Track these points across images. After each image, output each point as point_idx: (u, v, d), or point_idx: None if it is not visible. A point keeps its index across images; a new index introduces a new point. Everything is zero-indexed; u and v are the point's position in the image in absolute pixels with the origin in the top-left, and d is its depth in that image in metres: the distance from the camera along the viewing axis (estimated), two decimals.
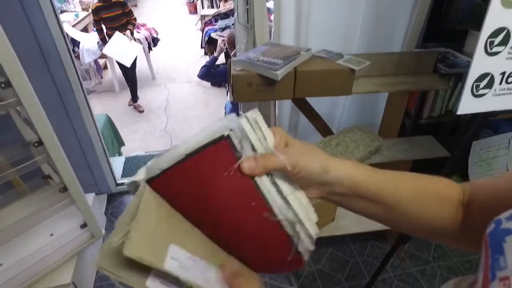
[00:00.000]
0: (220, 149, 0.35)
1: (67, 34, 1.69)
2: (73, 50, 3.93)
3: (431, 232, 0.44)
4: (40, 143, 1.18)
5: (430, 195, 0.42)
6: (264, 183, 0.35)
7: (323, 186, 0.39)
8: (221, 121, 0.35)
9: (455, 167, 1.93)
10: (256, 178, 0.35)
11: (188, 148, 0.34)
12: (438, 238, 0.45)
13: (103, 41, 3.57)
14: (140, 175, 0.36)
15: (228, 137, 0.35)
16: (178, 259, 0.32)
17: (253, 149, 0.35)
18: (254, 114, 0.36)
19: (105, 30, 3.54)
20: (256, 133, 0.35)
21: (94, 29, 3.81)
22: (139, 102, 4.01)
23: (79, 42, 3.91)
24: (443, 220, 0.42)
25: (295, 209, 0.36)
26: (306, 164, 0.36)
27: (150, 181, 0.35)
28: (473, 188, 0.42)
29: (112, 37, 3.51)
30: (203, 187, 0.34)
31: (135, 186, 0.36)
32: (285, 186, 0.36)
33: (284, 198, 0.36)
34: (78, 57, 3.94)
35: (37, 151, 1.22)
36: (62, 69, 1.69)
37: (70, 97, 1.80)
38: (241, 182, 0.35)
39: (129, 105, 3.97)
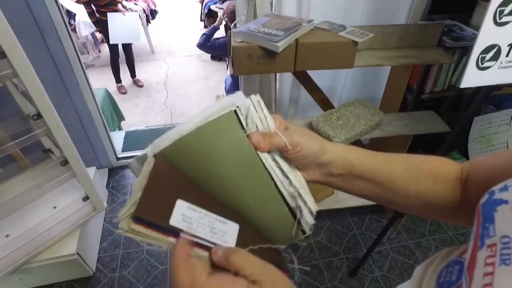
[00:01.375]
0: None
1: (62, 5, 1.63)
2: (69, 23, 3.83)
3: (428, 210, 0.45)
4: (39, 116, 1.18)
5: (424, 174, 0.43)
6: (266, 158, 0.37)
7: (320, 167, 0.41)
8: (228, 98, 0.37)
9: (455, 142, 1.93)
10: (259, 153, 0.37)
11: (196, 122, 0.35)
12: (436, 216, 0.46)
13: (96, 24, 3.35)
14: (147, 150, 0.37)
15: (235, 112, 0.36)
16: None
17: (256, 127, 0.37)
18: (258, 97, 0.38)
19: (96, 14, 3.27)
20: (259, 114, 0.38)
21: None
22: (138, 76, 3.95)
23: (74, 14, 3.80)
24: (439, 198, 0.43)
25: (296, 185, 0.38)
26: (305, 143, 0.38)
27: (160, 152, 0.36)
28: (472, 166, 0.43)
29: (109, 23, 3.23)
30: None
31: (141, 162, 0.37)
32: (285, 166, 0.38)
33: (285, 175, 0.38)
34: (74, 30, 3.85)
35: (36, 124, 1.22)
36: (59, 42, 1.65)
37: (68, 70, 1.77)
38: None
39: (118, 86, 3.78)
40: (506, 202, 0.27)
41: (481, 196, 0.31)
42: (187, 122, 0.35)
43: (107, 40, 3.39)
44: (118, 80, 3.74)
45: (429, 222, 1.95)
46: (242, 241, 0.35)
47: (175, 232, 0.33)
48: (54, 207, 1.60)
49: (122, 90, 3.76)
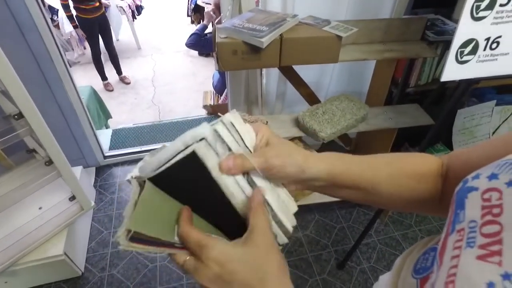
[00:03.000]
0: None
1: (42, 0, 1.60)
2: (52, 19, 3.74)
3: (412, 206, 0.46)
4: (20, 115, 1.16)
5: (407, 175, 0.44)
6: (239, 181, 0.37)
7: (302, 182, 0.41)
8: (195, 130, 0.35)
9: (440, 135, 1.97)
10: (230, 178, 0.36)
11: (167, 155, 0.35)
12: (419, 210, 0.48)
13: (70, 19, 3.26)
14: (135, 172, 0.38)
15: (201, 145, 0.35)
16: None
17: (230, 150, 0.36)
18: (231, 116, 0.37)
19: (74, 10, 3.18)
20: (233, 136, 0.36)
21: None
22: (125, 73, 3.89)
23: (57, 10, 3.71)
24: (422, 195, 0.44)
25: (272, 205, 0.37)
26: (282, 167, 0.37)
27: (143, 180, 0.37)
28: (451, 159, 0.44)
29: None
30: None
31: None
32: (262, 184, 0.37)
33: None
34: (58, 26, 3.76)
35: (18, 124, 1.19)
36: (40, 39, 1.61)
37: (50, 68, 1.73)
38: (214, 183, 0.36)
39: (104, 84, 3.73)
40: (476, 189, 0.28)
41: None
42: (162, 154, 0.36)
43: (87, 37, 3.35)
44: (103, 77, 3.68)
45: (415, 214, 1.99)
46: None
47: (170, 245, 0.35)
48: (40, 208, 1.57)
49: (108, 88, 3.71)
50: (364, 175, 0.43)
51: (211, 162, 0.35)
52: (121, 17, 4.08)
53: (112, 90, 3.70)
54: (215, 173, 0.35)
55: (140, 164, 0.38)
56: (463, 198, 0.29)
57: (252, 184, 0.37)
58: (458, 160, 0.43)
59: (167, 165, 0.35)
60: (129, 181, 0.38)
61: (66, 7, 3.13)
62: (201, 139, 0.35)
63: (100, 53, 3.48)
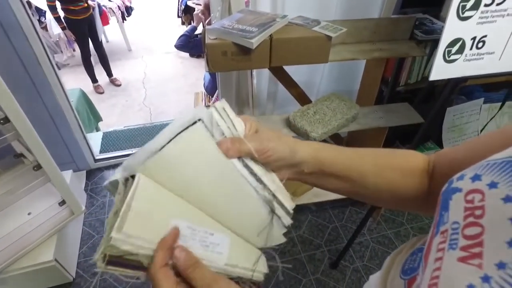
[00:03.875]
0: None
1: (28, 2, 1.57)
2: (40, 21, 3.68)
3: (398, 202, 0.46)
4: (6, 120, 1.13)
5: (393, 168, 0.44)
6: (236, 165, 0.37)
7: (293, 167, 0.41)
8: (190, 112, 0.36)
9: (430, 133, 1.99)
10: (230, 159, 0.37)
11: (164, 138, 0.35)
12: (406, 207, 0.48)
13: (58, 21, 3.19)
14: (118, 174, 0.36)
15: (198, 124, 0.36)
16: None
17: (223, 135, 0.37)
18: (222, 103, 0.38)
19: (62, 12, 3.10)
20: (225, 121, 0.37)
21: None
22: (116, 75, 3.85)
23: (45, 12, 3.65)
24: (408, 190, 0.44)
25: (270, 187, 0.38)
26: (275, 148, 0.38)
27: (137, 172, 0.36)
28: (438, 157, 0.44)
29: None
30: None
31: (114, 185, 0.36)
32: (258, 170, 0.38)
33: (258, 179, 0.38)
34: (45, 28, 3.71)
35: (4, 128, 1.17)
36: (26, 41, 1.59)
37: (38, 71, 1.71)
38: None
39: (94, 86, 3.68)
40: (460, 190, 0.28)
41: None
42: (153, 142, 0.35)
43: (77, 38, 3.30)
44: (93, 79, 3.63)
45: (407, 212, 2.00)
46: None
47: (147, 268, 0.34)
48: (29, 213, 1.55)
49: (99, 90, 3.66)
50: (349, 163, 0.43)
51: (209, 141, 0.36)
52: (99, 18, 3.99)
53: (102, 93, 3.66)
54: (214, 152, 0.36)
55: (123, 164, 0.37)
56: (448, 200, 0.29)
57: (247, 168, 0.38)
58: (445, 159, 0.43)
59: (168, 145, 0.35)
60: (107, 186, 0.37)
61: (53, 8, 3.07)
62: (198, 120, 0.35)
63: (90, 55, 3.44)
